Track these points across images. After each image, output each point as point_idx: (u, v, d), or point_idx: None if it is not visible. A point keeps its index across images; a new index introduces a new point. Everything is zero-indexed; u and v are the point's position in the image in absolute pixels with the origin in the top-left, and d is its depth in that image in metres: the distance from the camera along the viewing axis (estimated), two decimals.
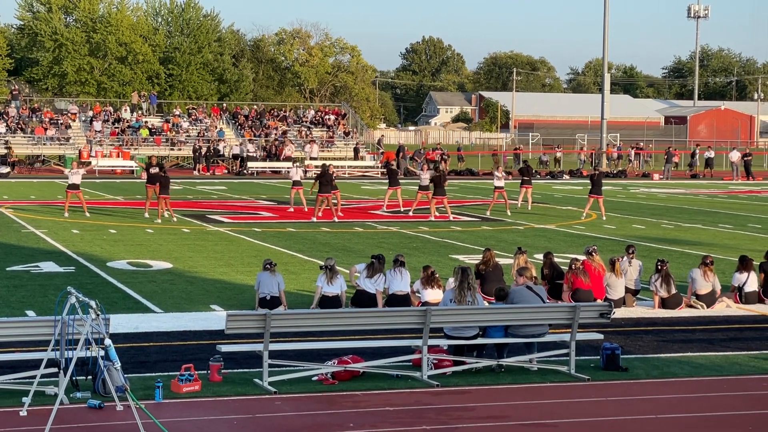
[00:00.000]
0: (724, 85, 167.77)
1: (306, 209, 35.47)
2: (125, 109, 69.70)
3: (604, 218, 34.47)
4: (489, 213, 35.67)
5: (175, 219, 31.90)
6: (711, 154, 68.22)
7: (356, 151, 66.43)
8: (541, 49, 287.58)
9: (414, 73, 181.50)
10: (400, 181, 38.63)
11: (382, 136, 69.05)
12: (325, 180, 33.53)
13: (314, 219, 32.76)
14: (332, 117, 73.35)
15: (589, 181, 35.94)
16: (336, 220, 32.70)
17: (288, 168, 39.48)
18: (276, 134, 67.54)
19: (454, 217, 34.07)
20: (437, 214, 34.11)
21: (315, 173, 56.04)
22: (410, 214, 35.09)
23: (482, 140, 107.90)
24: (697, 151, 73.08)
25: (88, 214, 32.82)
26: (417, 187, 36.52)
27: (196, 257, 24.00)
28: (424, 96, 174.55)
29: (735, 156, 64.39)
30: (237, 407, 11.71)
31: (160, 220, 31.63)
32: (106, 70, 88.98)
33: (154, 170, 32.93)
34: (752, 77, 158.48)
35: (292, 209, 35.96)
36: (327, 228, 30.87)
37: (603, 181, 36.27)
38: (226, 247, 25.97)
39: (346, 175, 59.89)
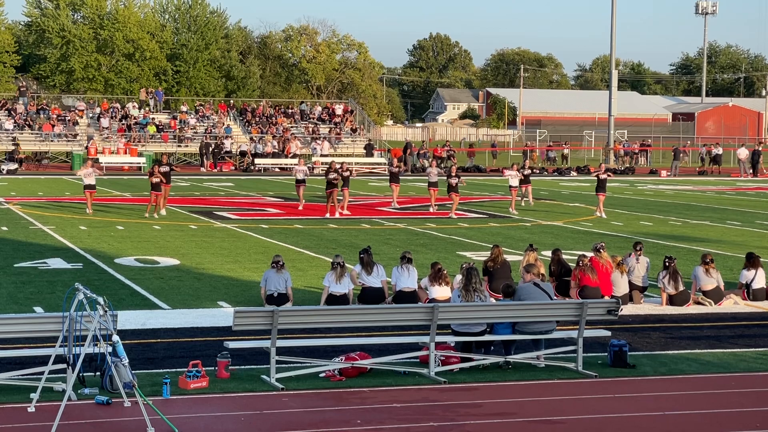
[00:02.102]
0: (731, 81, 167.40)
1: (302, 207, 35.67)
2: (133, 106, 69.78)
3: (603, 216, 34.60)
4: (514, 209, 35.70)
5: (163, 212, 32.55)
6: (719, 150, 68.13)
7: (369, 147, 66.33)
8: (549, 45, 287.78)
9: (421, 70, 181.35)
10: (408, 177, 38.82)
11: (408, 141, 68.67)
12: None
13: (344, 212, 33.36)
14: (340, 107, 73.43)
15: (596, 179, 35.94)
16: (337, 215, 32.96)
17: (294, 165, 39.72)
18: (282, 131, 67.58)
19: (456, 214, 34.04)
20: (436, 210, 34.44)
21: (322, 170, 56.16)
22: (434, 211, 34.97)
23: (489, 137, 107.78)
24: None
25: (89, 211, 32.84)
26: (427, 185, 36.56)
27: (204, 254, 24.02)
28: (432, 93, 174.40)
29: (743, 153, 64.31)
30: (244, 403, 11.72)
31: (157, 215, 31.93)
32: (114, 67, 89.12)
33: (165, 169, 33.09)
34: (760, 74, 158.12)
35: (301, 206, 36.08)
36: (334, 225, 30.89)
37: (609, 178, 36.53)
38: (234, 244, 25.99)
39: (354, 172, 59.84)
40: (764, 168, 66.31)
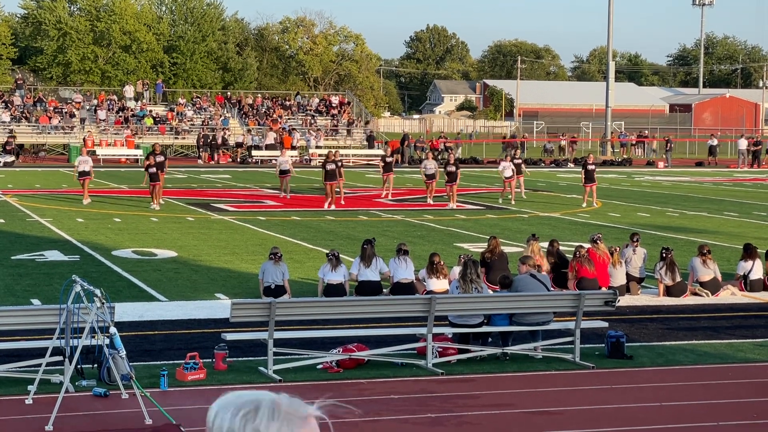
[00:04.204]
0: (729, 72, 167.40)
1: (288, 197, 35.95)
2: (129, 89, 69.68)
3: (596, 205, 34.61)
4: (502, 201, 35.81)
5: (159, 207, 32.23)
6: (714, 141, 68.11)
7: (371, 139, 66.27)
8: (546, 37, 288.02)
9: (418, 62, 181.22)
10: (405, 169, 38.83)
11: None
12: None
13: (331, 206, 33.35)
14: (336, 99, 73.42)
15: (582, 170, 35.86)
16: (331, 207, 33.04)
17: (278, 157, 40.17)
18: (281, 123, 67.49)
19: (457, 206, 34.05)
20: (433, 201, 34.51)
21: (319, 162, 56.07)
22: (431, 202, 34.85)
23: (487, 128, 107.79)
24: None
25: (85, 202, 32.81)
26: (423, 176, 36.48)
27: (201, 246, 24.01)
28: (429, 84, 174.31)
29: (743, 144, 64.38)
30: None
31: (156, 206, 31.86)
32: (110, 59, 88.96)
33: (160, 158, 33.05)
34: (757, 65, 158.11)
35: (286, 196, 36.28)
36: (331, 216, 30.88)
37: (598, 169, 36.75)
38: (231, 236, 25.98)
39: (351, 164, 59.84)
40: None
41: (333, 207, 33.00)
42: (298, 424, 2.41)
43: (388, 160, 38.23)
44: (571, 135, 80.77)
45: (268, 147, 61.32)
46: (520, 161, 38.14)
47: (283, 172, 36.45)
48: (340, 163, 34.67)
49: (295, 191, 38.20)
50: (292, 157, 55.14)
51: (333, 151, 36.88)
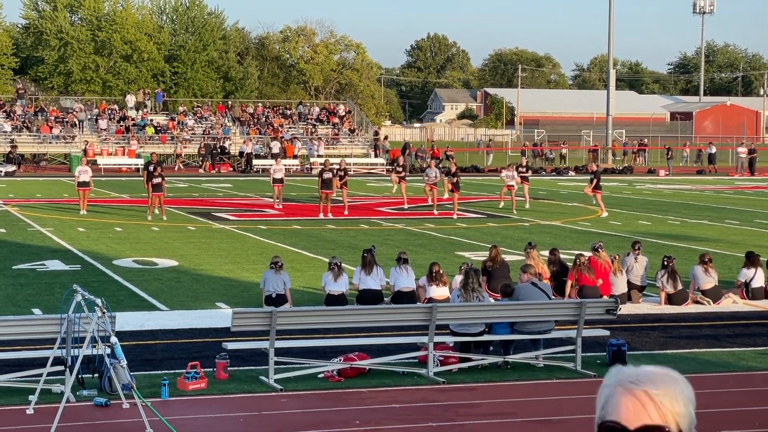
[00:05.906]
0: (729, 80, 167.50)
1: (281, 206, 35.84)
2: (130, 98, 69.79)
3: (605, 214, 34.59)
4: (503, 204, 35.84)
5: (165, 216, 32.05)
6: (713, 149, 68.08)
7: (377, 148, 66.37)
8: (546, 45, 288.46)
9: (419, 70, 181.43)
10: (406, 177, 39.06)
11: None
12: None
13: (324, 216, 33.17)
14: (341, 108, 73.48)
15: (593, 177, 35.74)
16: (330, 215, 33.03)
17: (272, 165, 40.23)
18: (281, 132, 67.55)
19: (458, 215, 34.02)
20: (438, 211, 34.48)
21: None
22: (435, 213, 34.53)
23: (487, 137, 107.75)
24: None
25: (84, 212, 32.79)
26: (424, 185, 36.54)
27: (202, 255, 24.00)
28: (429, 93, 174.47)
29: (743, 152, 64.39)
30: (243, 404, 11.70)
31: (151, 217, 31.72)
32: (112, 69, 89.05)
33: (157, 169, 33.01)
34: (758, 73, 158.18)
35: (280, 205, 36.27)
36: (332, 225, 30.88)
37: (602, 177, 36.95)
38: (232, 245, 25.97)
39: (352, 173, 59.82)
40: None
41: (330, 215, 32.97)
42: None
43: (401, 165, 38.66)
44: (593, 144, 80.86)
45: (274, 156, 61.44)
46: (523, 171, 37.91)
47: (277, 181, 36.43)
48: (343, 173, 34.66)
49: (295, 200, 38.20)
50: (286, 166, 55.29)
51: (334, 160, 36.92)
